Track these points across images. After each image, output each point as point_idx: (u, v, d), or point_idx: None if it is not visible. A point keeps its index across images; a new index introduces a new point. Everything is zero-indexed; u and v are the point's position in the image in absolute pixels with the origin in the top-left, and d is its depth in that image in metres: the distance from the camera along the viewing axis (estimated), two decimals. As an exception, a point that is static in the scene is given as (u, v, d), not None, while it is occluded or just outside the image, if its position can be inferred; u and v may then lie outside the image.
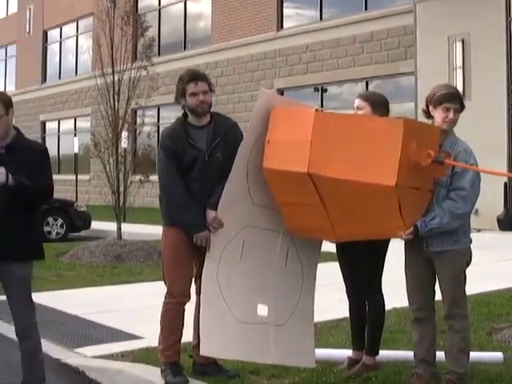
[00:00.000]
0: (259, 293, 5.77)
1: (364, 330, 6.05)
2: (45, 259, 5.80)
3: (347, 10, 24.22)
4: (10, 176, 5.20)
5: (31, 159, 5.43)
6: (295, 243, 5.89)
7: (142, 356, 6.67)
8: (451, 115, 5.41)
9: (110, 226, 17.54)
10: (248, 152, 5.65)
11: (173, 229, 5.84)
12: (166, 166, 5.83)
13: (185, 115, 5.95)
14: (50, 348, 6.83)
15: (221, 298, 5.62)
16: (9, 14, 43.25)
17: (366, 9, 23.86)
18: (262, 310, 5.76)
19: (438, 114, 5.46)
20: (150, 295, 9.12)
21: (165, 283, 5.92)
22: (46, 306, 8.78)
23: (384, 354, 6.20)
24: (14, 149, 5.44)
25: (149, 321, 7.27)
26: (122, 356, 6.80)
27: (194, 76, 5.87)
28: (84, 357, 6.98)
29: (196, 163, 5.76)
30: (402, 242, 5.51)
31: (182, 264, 5.82)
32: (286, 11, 26.65)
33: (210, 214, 5.66)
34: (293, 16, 26.92)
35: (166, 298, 5.90)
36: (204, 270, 5.68)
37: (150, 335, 6.84)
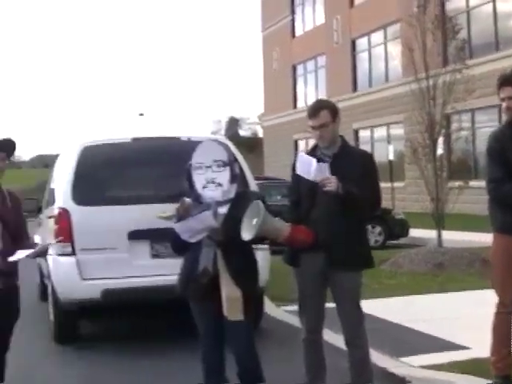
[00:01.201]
0: None
1: None
2: (374, 267, 5.83)
3: None
4: (339, 185, 5.27)
5: (359, 167, 5.47)
6: None
7: (469, 367, 6.51)
8: None
9: (427, 234, 17.38)
10: None
11: (505, 236, 5.58)
12: (493, 170, 5.61)
13: None
14: (375, 356, 6.83)
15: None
16: (316, 24, 44.39)
17: None
18: None
19: None
20: (475, 304, 8.89)
21: (496, 292, 5.69)
22: (369, 314, 8.80)
23: None
24: (340, 157, 5.51)
25: (474, 331, 7.08)
26: (450, 366, 6.68)
27: (501, 81, 5.65)
28: (410, 366, 6.94)
29: None
30: None
31: (515, 273, 5.55)
32: None
33: None
34: None
35: (497, 308, 5.68)
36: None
37: (477, 346, 6.66)
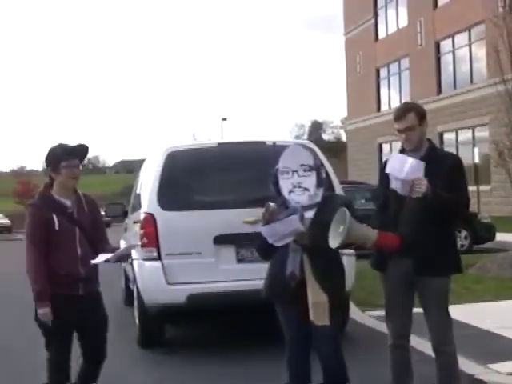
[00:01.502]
0: None
1: None
2: (463, 272, 5.75)
3: None
4: (429, 187, 5.21)
5: (446, 170, 5.40)
6: None
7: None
8: None
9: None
10: None
11: None
12: None
13: None
14: (462, 363, 6.73)
15: None
16: (400, 27, 44.05)
17: None
18: None
19: None
20: None
21: None
22: (456, 319, 8.66)
23: None
24: (428, 160, 5.43)
25: None
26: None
27: None
28: (498, 373, 6.84)
29: None
30: None
31: None
32: None
33: None
34: None
35: None
36: None
37: None
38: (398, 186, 5.33)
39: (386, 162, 5.59)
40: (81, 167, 5.95)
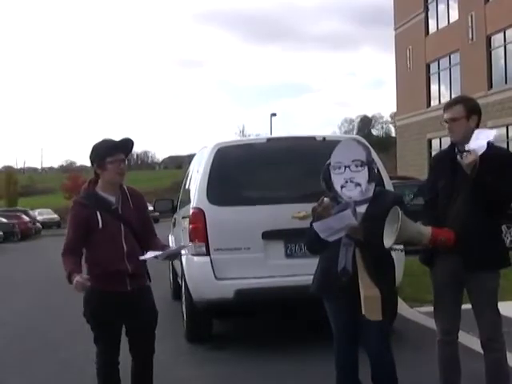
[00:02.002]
0: None
1: None
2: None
3: None
4: (474, 167, 5.19)
5: (499, 166, 5.35)
6: None
7: None
8: None
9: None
10: None
11: None
12: None
13: None
14: (511, 359, 6.68)
15: None
16: (450, 22, 43.57)
17: None
18: None
19: None
20: None
21: None
22: (505, 315, 8.58)
23: None
24: (483, 156, 5.37)
25: None
26: None
27: None
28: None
29: None
30: None
31: None
32: None
33: None
34: None
35: None
36: None
37: None
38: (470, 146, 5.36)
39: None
40: (126, 162, 5.83)
